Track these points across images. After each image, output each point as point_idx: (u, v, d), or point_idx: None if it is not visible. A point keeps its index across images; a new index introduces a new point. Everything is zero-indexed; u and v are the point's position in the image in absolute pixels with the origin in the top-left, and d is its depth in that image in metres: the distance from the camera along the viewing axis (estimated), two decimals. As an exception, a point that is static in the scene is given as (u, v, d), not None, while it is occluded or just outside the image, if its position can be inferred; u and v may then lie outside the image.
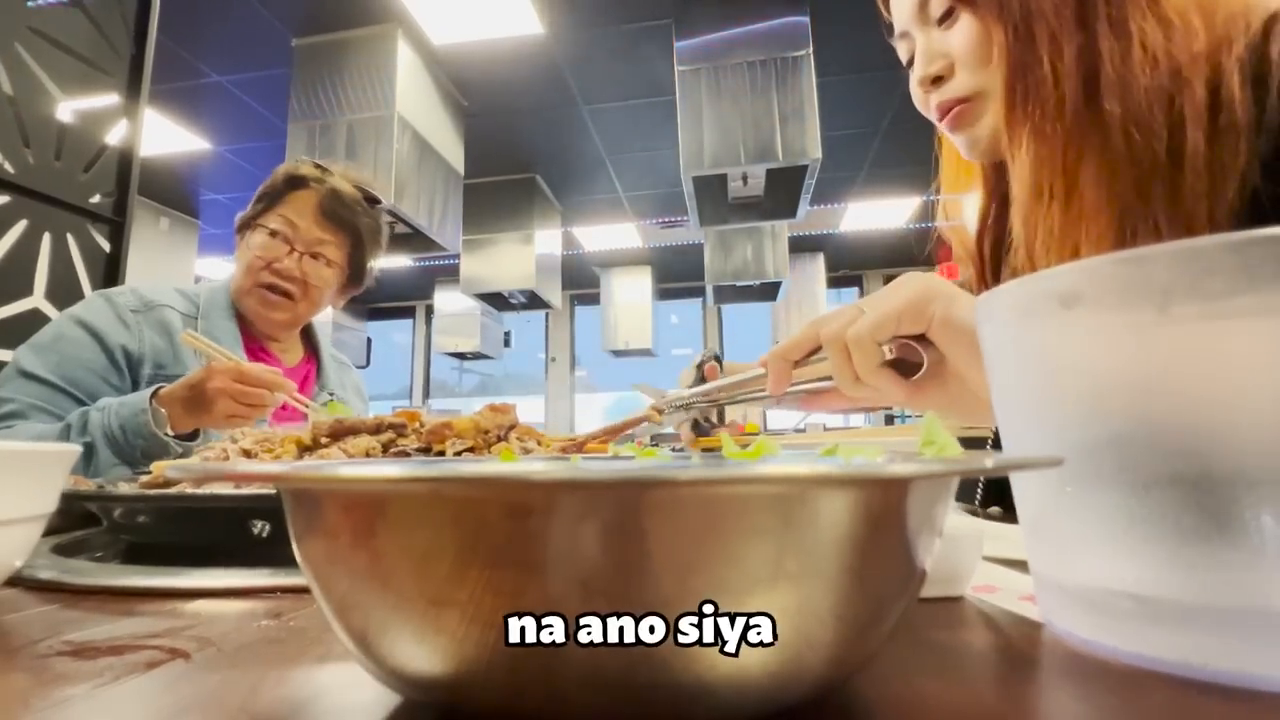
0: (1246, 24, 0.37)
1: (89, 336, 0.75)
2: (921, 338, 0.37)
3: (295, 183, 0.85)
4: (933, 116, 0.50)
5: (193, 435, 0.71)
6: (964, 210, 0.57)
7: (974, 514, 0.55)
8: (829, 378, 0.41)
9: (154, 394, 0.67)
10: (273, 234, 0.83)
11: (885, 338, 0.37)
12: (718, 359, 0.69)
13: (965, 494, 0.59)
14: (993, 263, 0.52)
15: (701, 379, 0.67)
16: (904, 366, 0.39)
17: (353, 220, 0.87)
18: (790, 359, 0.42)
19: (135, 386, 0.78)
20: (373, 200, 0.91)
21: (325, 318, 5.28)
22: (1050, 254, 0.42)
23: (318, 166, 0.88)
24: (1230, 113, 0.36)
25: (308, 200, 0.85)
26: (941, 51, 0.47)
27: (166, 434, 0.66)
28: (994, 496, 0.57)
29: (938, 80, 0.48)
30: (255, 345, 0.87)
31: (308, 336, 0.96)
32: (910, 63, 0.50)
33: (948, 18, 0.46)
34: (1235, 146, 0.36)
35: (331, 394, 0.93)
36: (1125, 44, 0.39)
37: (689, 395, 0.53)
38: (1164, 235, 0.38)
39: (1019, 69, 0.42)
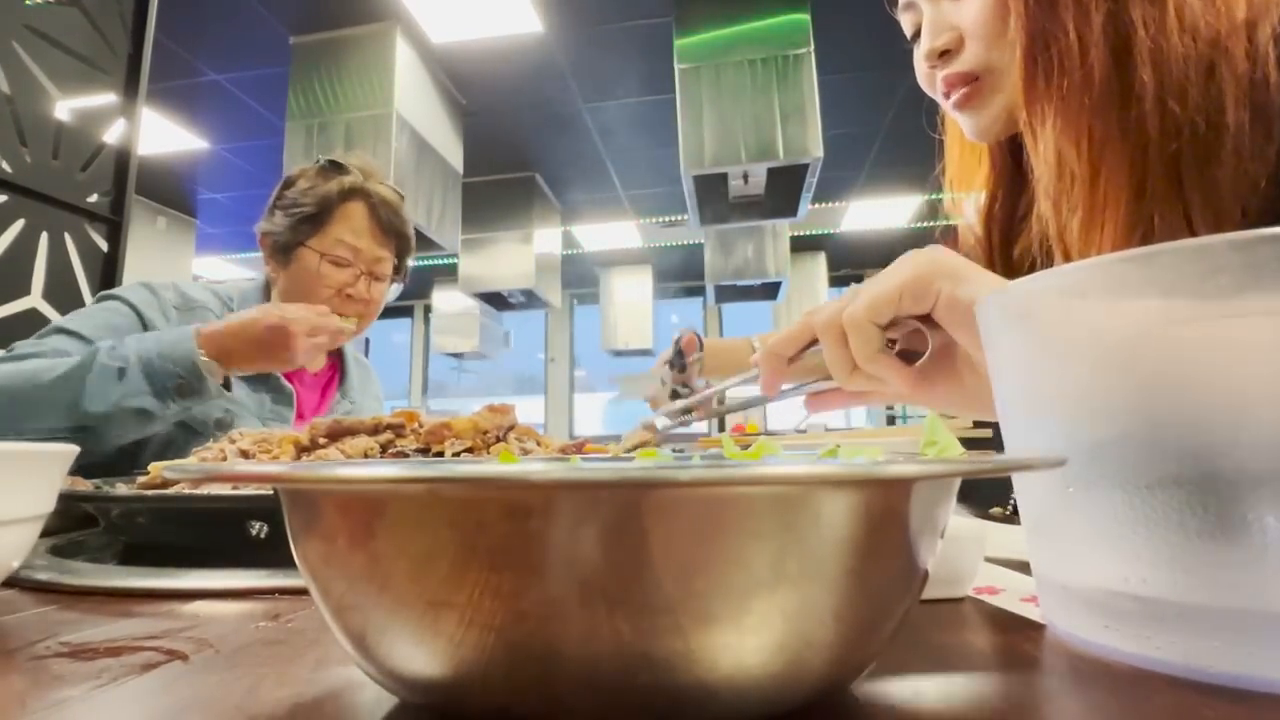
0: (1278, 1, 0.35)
1: (132, 313, 0.74)
2: (926, 320, 0.33)
3: (347, 195, 0.82)
4: (938, 94, 0.47)
5: (226, 385, 0.69)
6: (956, 195, 0.54)
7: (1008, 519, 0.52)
8: (827, 377, 0.36)
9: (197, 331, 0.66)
10: (339, 263, 0.81)
11: (884, 319, 0.32)
12: (697, 335, 0.68)
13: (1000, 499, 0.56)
14: (1001, 248, 0.49)
15: (679, 354, 0.67)
16: (907, 356, 0.35)
17: (403, 229, 0.86)
18: (784, 355, 0.37)
19: None
20: (400, 195, 0.88)
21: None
22: (1079, 239, 0.39)
23: (345, 167, 0.84)
24: (1265, 93, 0.34)
25: (360, 214, 0.82)
26: (951, 23, 0.44)
27: (209, 371, 0.64)
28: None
29: (945, 55, 0.45)
30: None
31: None
32: (915, 36, 0.47)
33: None
34: (1269, 130, 0.34)
35: (353, 403, 0.91)
36: (1160, 10, 0.36)
37: (685, 405, 0.50)
38: (1194, 221, 0.35)
39: (1039, 39, 0.38)
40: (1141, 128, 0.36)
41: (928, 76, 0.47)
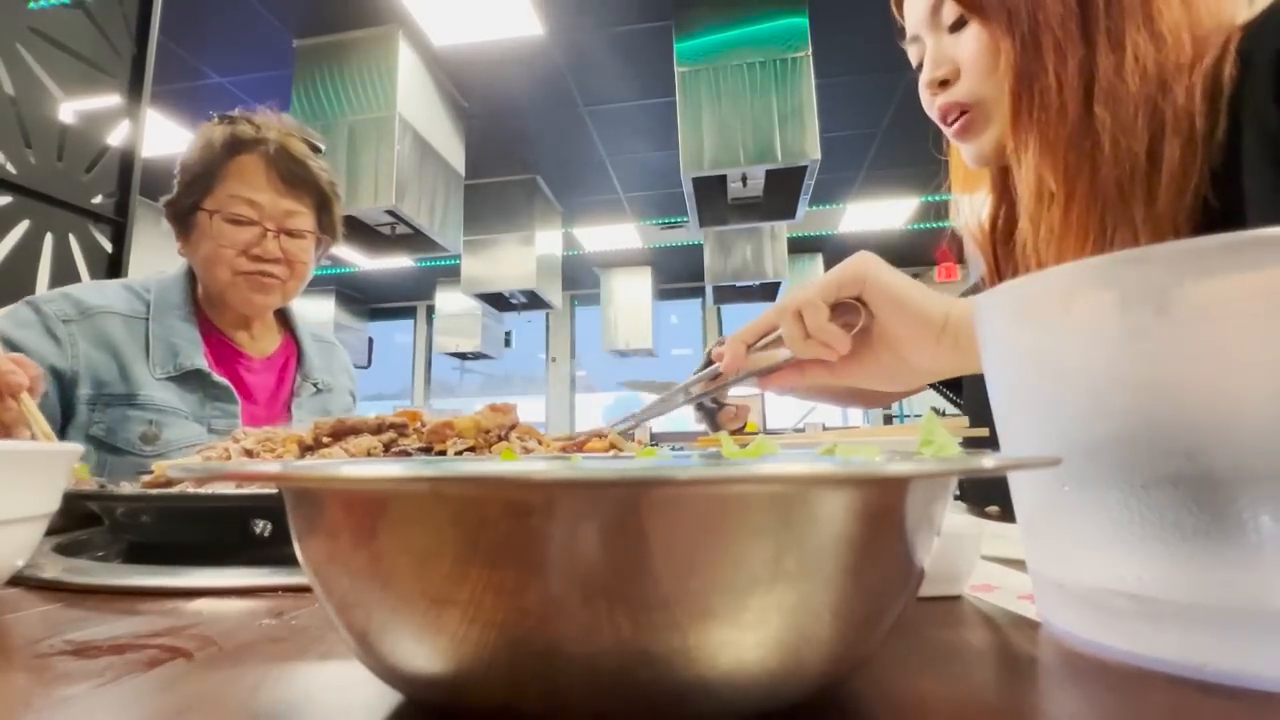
0: (1216, 41, 0.40)
1: (8, 352, 0.61)
2: (859, 302, 0.43)
3: (235, 147, 0.74)
4: (936, 118, 0.52)
5: None
6: (962, 210, 0.59)
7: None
8: (777, 367, 0.47)
9: None
10: (237, 220, 0.73)
11: (830, 299, 0.42)
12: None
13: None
14: (1004, 259, 0.54)
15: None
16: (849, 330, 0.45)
17: (312, 179, 0.77)
18: (745, 341, 0.46)
19: (69, 410, 0.69)
20: (315, 148, 0.80)
21: (327, 317, 5.28)
22: (1052, 253, 0.44)
23: (245, 120, 0.76)
24: (1192, 123, 0.39)
25: (255, 166, 0.74)
26: (949, 57, 0.49)
27: None
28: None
29: (944, 84, 0.50)
30: (219, 342, 0.79)
31: (284, 320, 0.87)
32: (919, 67, 0.52)
33: (959, 26, 0.49)
34: (1195, 153, 0.39)
35: (317, 384, 0.84)
36: (1120, 56, 0.41)
37: (657, 404, 0.56)
38: (1140, 233, 0.41)
39: (1025, 78, 0.44)
40: (1099, 157, 0.42)
41: (930, 103, 0.52)
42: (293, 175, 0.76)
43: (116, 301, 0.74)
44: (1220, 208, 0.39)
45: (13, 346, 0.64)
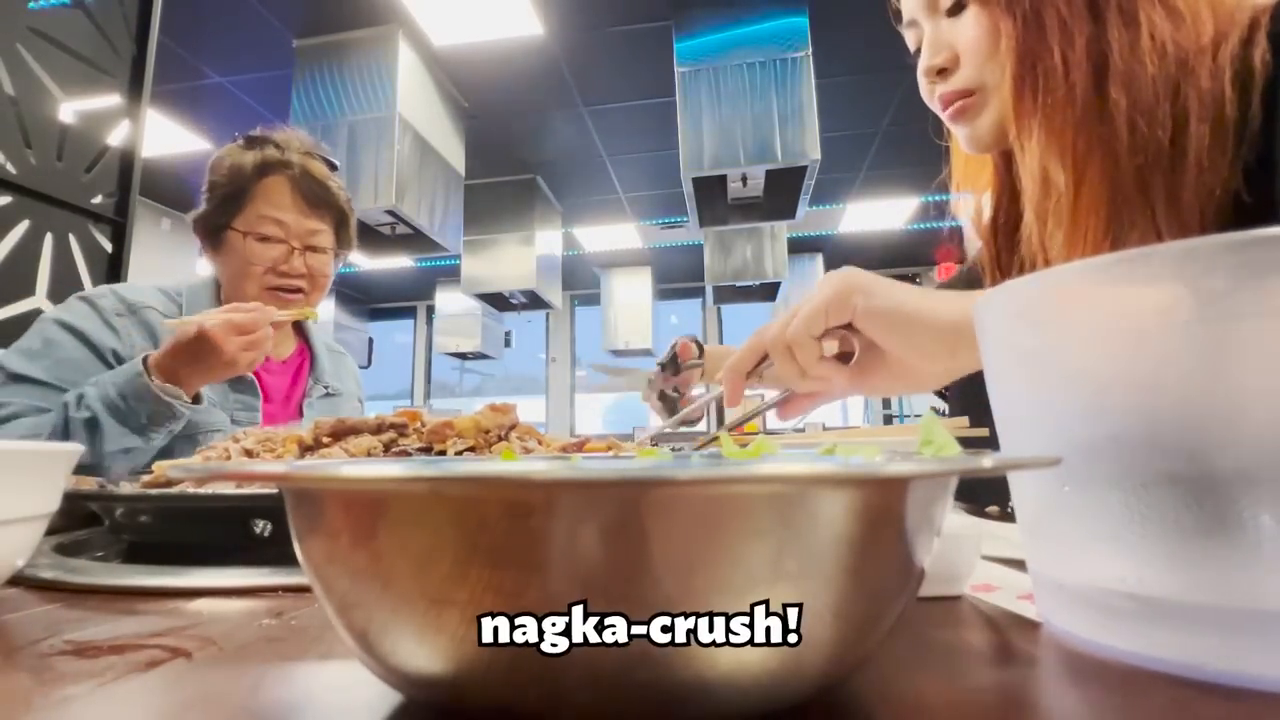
0: (1240, 20, 0.38)
1: (76, 340, 0.71)
2: (850, 327, 0.40)
3: (264, 170, 0.80)
4: (935, 107, 0.50)
5: (195, 399, 0.69)
6: (964, 201, 0.57)
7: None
8: (784, 399, 0.45)
9: (145, 361, 0.65)
10: (265, 239, 0.80)
11: (817, 332, 0.40)
12: (697, 342, 0.70)
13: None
14: (1006, 251, 0.52)
15: (674, 358, 0.69)
16: (845, 358, 0.43)
17: (333, 199, 0.84)
18: (742, 371, 0.45)
19: None
20: (332, 165, 0.86)
21: (327, 318, 5.28)
22: (1061, 245, 0.42)
23: (270, 142, 0.82)
24: (1222, 109, 0.36)
25: (280, 188, 0.80)
26: (947, 43, 0.47)
27: (172, 396, 0.65)
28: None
29: (943, 72, 0.48)
30: None
31: (299, 328, 0.93)
32: (918, 52, 0.50)
33: (957, 10, 0.46)
34: (1225, 144, 0.36)
35: (327, 387, 0.90)
36: (1134, 33, 0.38)
37: (665, 427, 0.56)
38: (1160, 228, 0.38)
39: (1028, 58, 0.41)
40: (1113, 143, 0.39)
41: (928, 91, 0.50)
42: (315, 196, 0.82)
43: (155, 300, 0.80)
44: (1254, 203, 0.35)
45: (77, 333, 0.72)
